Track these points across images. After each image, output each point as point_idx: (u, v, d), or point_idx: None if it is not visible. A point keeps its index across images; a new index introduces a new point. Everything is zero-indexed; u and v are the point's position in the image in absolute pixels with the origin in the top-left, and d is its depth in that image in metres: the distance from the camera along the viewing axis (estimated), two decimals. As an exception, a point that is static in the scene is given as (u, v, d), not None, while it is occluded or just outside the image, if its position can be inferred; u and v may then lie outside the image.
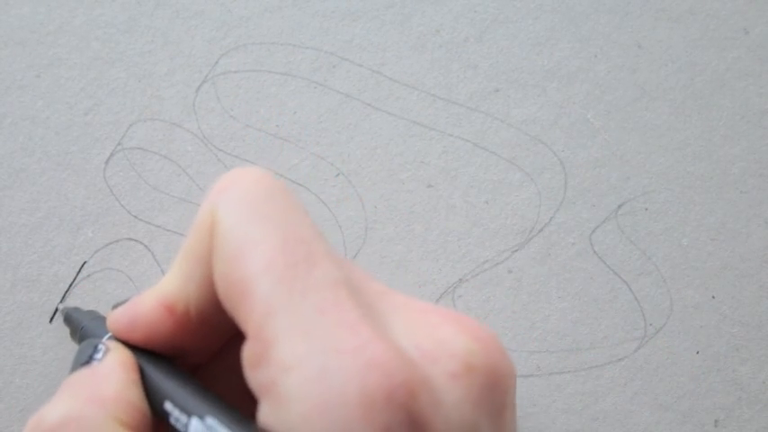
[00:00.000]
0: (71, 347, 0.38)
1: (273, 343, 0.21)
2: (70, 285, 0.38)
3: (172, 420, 0.24)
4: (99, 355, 0.26)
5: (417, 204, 0.39)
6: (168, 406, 0.25)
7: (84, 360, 0.26)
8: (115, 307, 0.28)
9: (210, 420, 0.23)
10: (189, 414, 0.24)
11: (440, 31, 0.40)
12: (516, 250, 0.39)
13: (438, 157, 0.40)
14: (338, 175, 0.39)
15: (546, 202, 0.39)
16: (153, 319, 0.26)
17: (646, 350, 0.39)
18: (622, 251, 0.39)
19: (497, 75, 0.40)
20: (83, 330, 0.32)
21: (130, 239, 0.38)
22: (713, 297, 0.39)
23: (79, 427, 0.23)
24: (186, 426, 0.24)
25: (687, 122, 0.40)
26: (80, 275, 0.38)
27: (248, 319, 0.22)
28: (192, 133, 0.39)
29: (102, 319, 0.31)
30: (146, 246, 0.38)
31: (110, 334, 0.28)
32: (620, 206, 0.40)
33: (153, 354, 0.26)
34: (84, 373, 0.26)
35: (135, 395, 0.25)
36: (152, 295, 0.26)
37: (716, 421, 0.39)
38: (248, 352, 0.22)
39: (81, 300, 0.38)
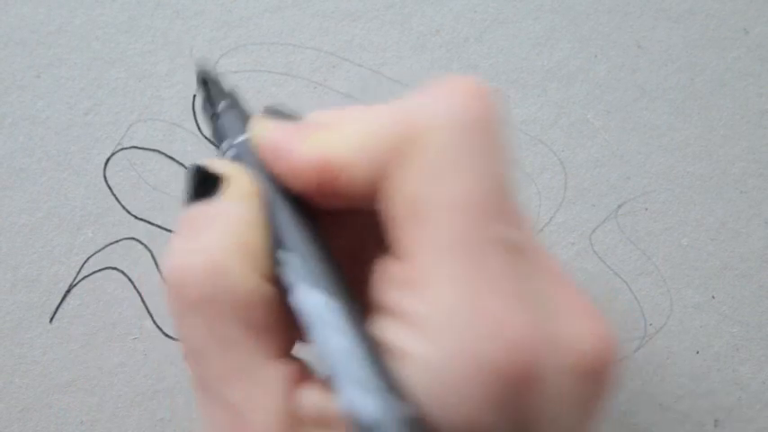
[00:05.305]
0: (71, 347, 0.38)
1: (432, 280, 0.21)
2: (70, 285, 0.38)
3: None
4: (223, 183, 0.24)
5: (417, 204, 0.39)
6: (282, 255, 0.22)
7: (209, 186, 0.23)
8: (268, 111, 0.25)
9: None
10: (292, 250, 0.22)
11: (440, 31, 0.40)
12: (516, 250, 0.39)
13: (438, 157, 0.40)
14: (338, 175, 0.39)
15: (546, 202, 0.39)
16: (304, 170, 0.23)
17: (646, 350, 0.39)
18: (622, 251, 0.39)
19: (497, 75, 0.40)
20: (218, 119, 0.27)
21: (130, 239, 0.38)
22: (713, 297, 0.39)
23: (218, 274, 0.22)
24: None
25: (687, 122, 0.40)
26: (80, 275, 0.38)
27: (413, 243, 0.22)
28: (192, 133, 0.39)
29: (242, 117, 0.26)
30: (146, 246, 0.38)
31: (240, 142, 0.24)
32: (620, 206, 0.40)
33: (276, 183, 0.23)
34: (212, 206, 0.24)
35: (259, 234, 0.23)
36: (315, 146, 0.23)
37: (716, 421, 0.39)
38: (397, 271, 0.22)
39: (81, 300, 0.38)
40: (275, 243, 0.23)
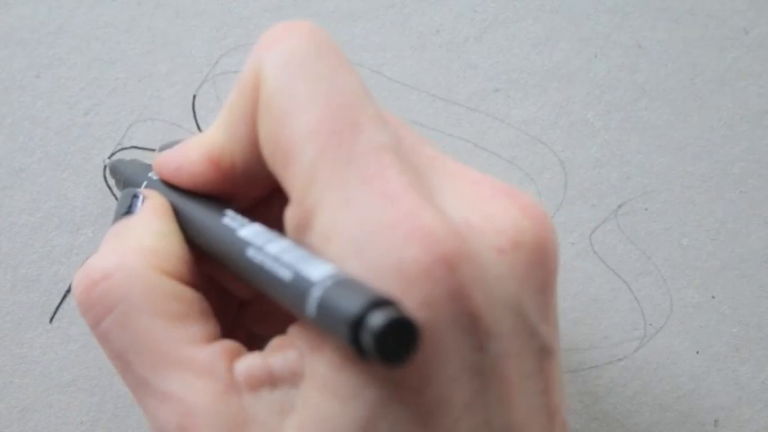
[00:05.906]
0: (71, 347, 0.38)
1: (315, 211, 0.21)
2: (70, 285, 0.38)
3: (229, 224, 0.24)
4: (139, 203, 0.26)
5: (417, 204, 0.39)
6: (227, 218, 0.24)
7: (125, 210, 0.27)
8: (162, 149, 0.27)
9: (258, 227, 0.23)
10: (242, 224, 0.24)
11: (440, 31, 0.40)
12: (516, 250, 0.39)
13: (438, 157, 0.40)
14: (338, 175, 0.39)
15: (546, 202, 0.39)
16: (198, 171, 0.25)
17: (646, 350, 0.39)
18: (622, 251, 0.39)
19: (497, 75, 0.40)
20: (126, 179, 0.31)
21: (130, 239, 0.38)
22: (713, 297, 0.39)
23: (123, 277, 0.24)
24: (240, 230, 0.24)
25: (687, 122, 0.40)
26: (80, 275, 0.38)
27: (292, 185, 0.21)
28: (192, 133, 0.39)
29: (145, 167, 0.31)
30: (146, 246, 0.38)
31: (149, 180, 0.28)
32: (620, 206, 0.40)
33: (198, 195, 0.26)
34: (124, 223, 0.26)
35: (171, 243, 0.25)
36: (198, 147, 0.25)
37: (716, 421, 0.39)
38: (291, 217, 0.22)
39: (81, 300, 0.38)
40: (206, 232, 0.25)
